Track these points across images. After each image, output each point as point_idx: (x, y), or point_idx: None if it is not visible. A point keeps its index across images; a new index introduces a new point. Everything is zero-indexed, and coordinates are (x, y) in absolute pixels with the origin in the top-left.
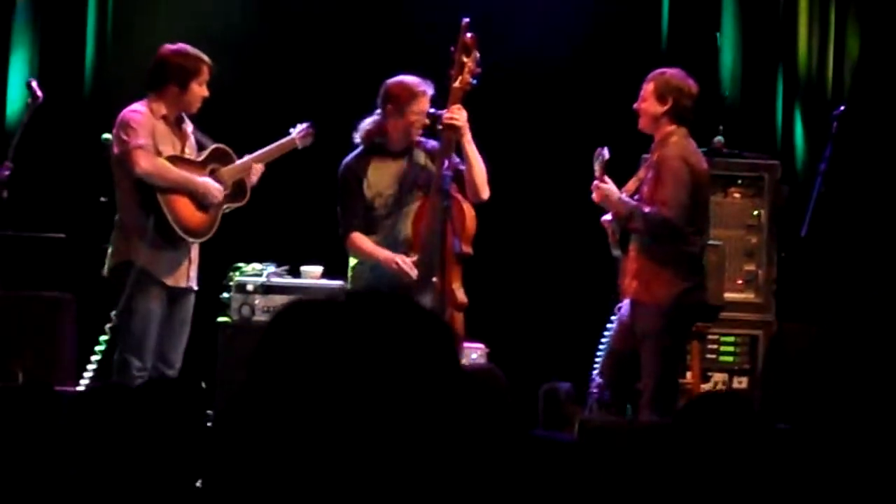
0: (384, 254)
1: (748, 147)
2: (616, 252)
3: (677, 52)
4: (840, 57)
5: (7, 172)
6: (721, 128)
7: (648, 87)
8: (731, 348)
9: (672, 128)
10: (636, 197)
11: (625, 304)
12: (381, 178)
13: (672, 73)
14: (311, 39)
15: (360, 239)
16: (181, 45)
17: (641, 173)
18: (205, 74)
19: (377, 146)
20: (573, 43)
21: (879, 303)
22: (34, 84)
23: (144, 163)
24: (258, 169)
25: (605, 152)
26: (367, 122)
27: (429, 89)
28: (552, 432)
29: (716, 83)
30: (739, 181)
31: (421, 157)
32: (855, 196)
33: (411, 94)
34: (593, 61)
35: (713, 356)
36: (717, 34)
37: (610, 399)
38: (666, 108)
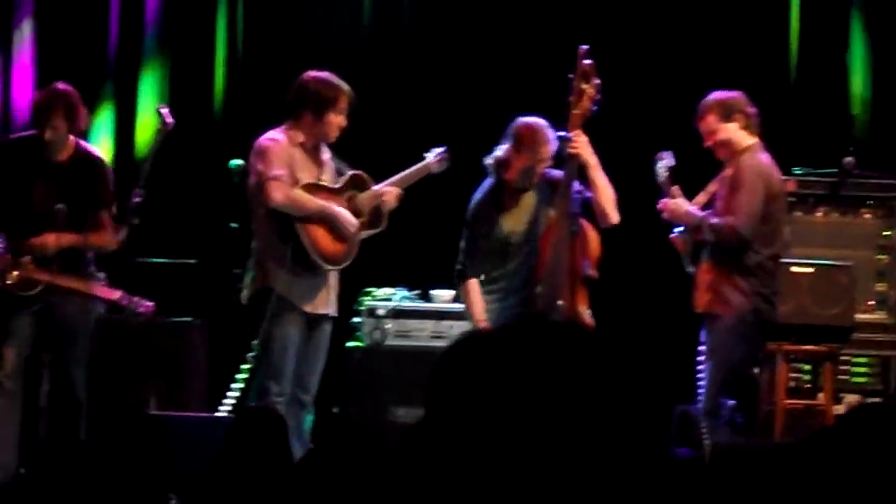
0: (480, 316)
1: (879, 167)
2: (690, 268)
3: (807, 73)
4: None
5: (138, 199)
6: (851, 148)
7: (709, 119)
8: (863, 369)
9: (748, 142)
10: (707, 210)
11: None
12: (515, 216)
13: (717, 95)
14: (443, 64)
15: (473, 288)
16: (323, 73)
17: (712, 187)
18: (343, 104)
19: (505, 181)
20: (701, 66)
21: None
22: (164, 111)
23: (278, 195)
24: (395, 193)
25: (670, 158)
26: (497, 154)
27: (553, 138)
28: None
29: (846, 103)
30: (870, 202)
31: (545, 188)
32: None
33: (536, 141)
34: (722, 83)
35: (845, 377)
36: (847, 54)
37: (744, 421)
38: (738, 125)
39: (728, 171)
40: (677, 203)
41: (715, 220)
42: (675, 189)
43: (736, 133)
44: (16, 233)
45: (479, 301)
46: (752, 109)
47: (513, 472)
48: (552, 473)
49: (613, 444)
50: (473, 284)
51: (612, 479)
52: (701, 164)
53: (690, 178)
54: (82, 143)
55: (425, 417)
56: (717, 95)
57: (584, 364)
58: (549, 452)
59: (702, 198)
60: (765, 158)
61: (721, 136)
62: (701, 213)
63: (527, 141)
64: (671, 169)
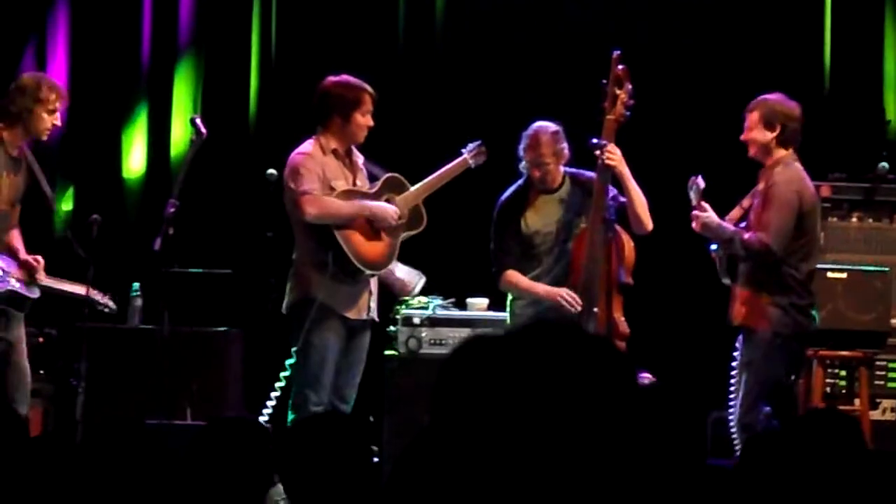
0: (544, 288)
1: None
2: (725, 280)
3: (841, 79)
4: None
5: (173, 209)
6: (885, 153)
7: (753, 116)
8: None
9: (781, 154)
10: (742, 224)
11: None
12: (538, 216)
13: (775, 98)
14: (478, 70)
15: (515, 276)
16: (343, 76)
17: (746, 202)
18: (367, 104)
19: (531, 182)
20: (736, 73)
21: None
22: (198, 121)
23: (312, 209)
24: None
25: (700, 181)
26: None
27: (550, 141)
28: (721, 460)
29: (880, 109)
30: None
31: (576, 191)
32: None
33: (534, 145)
34: (756, 90)
35: (881, 382)
36: (880, 60)
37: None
38: (775, 134)
39: (761, 185)
40: (709, 215)
41: (746, 236)
42: (706, 205)
43: (770, 142)
44: None
45: (527, 281)
46: (796, 125)
47: (518, 479)
48: (555, 480)
49: (620, 450)
50: (513, 274)
51: (621, 486)
52: (736, 176)
53: (726, 189)
54: None
55: (431, 422)
56: (772, 98)
57: (589, 369)
58: (553, 457)
59: (736, 213)
60: (798, 171)
61: (755, 137)
62: (732, 228)
63: (527, 144)
64: (702, 192)
